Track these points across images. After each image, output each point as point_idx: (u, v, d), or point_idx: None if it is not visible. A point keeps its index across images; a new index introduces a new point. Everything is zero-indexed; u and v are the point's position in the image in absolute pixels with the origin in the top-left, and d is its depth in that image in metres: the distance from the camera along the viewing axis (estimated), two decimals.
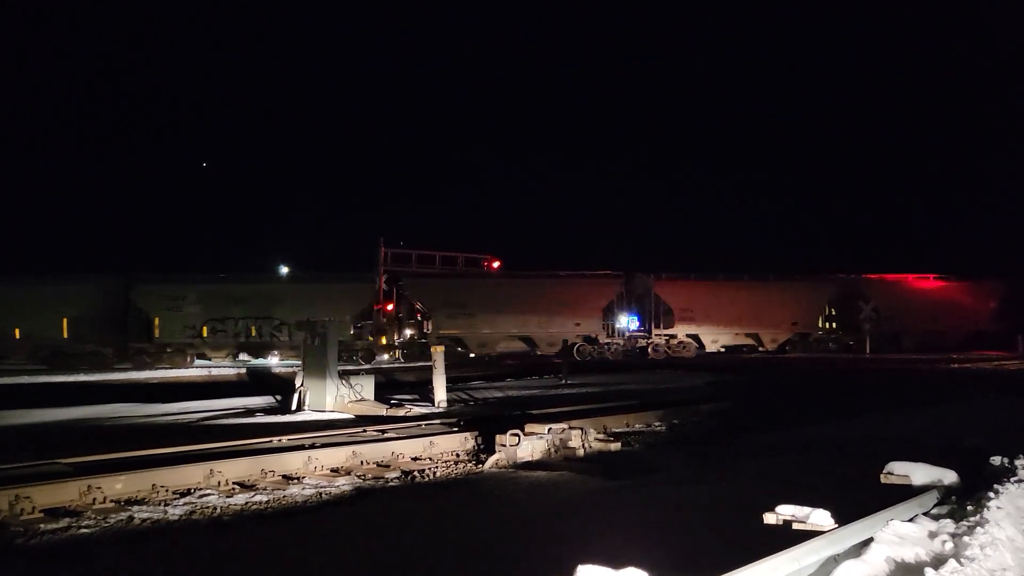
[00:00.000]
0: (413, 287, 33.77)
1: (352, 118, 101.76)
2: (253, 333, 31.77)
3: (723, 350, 36.59)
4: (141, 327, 31.13)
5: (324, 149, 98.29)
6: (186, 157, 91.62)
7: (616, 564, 3.60)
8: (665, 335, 35.62)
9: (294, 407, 14.64)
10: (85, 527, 6.73)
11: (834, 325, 38.07)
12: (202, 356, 31.62)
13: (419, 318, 34.10)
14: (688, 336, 35.93)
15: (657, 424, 12.83)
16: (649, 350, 35.34)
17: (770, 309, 36.70)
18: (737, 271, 38.84)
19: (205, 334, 31.48)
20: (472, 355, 33.60)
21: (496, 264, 39.67)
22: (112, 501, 7.50)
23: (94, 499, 7.43)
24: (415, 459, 9.84)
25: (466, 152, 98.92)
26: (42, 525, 6.75)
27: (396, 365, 30.90)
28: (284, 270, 36.55)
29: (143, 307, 31.23)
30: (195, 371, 28.12)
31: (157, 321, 31.03)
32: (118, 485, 7.69)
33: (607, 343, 35.06)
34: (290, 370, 22.49)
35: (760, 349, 37.00)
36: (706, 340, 36.21)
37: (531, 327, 34.41)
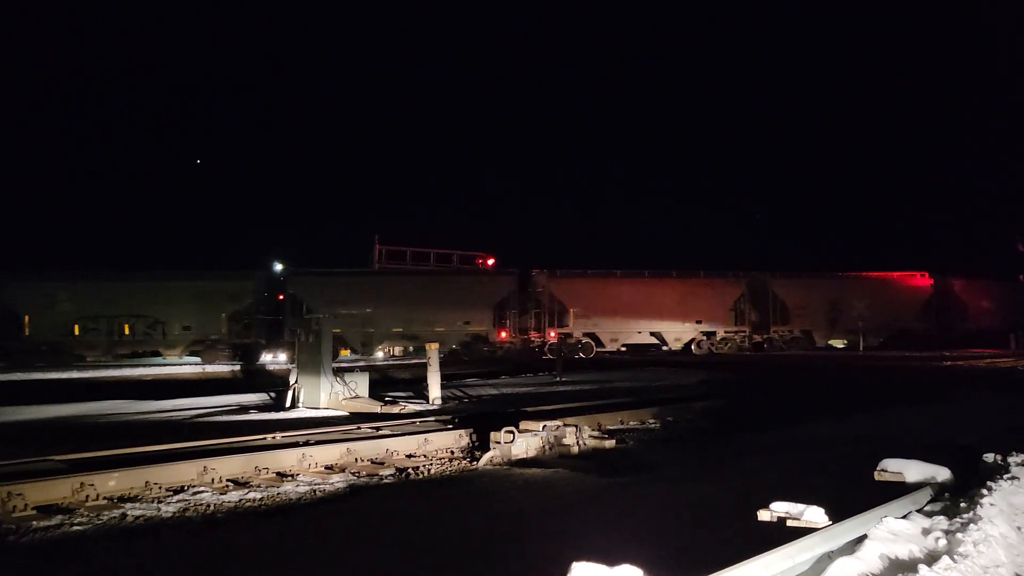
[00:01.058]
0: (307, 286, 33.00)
1: (351, 116, 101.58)
2: (127, 331, 31.17)
3: (623, 350, 35.80)
4: (10, 325, 30.52)
5: (321, 146, 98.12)
6: (183, 154, 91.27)
7: (611, 561, 3.60)
8: (561, 334, 34.94)
9: (288, 404, 14.62)
10: (78, 524, 6.71)
11: (743, 324, 37.14)
12: (78, 357, 30.69)
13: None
14: (585, 335, 35.23)
15: (651, 421, 12.84)
16: (545, 350, 34.64)
17: (674, 307, 35.96)
18: (637, 267, 38.16)
19: (77, 332, 30.91)
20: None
21: (491, 261, 39.69)
22: (105, 498, 7.48)
23: (87, 496, 7.40)
24: (410, 456, 9.83)
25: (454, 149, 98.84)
26: (35, 522, 6.72)
27: (391, 362, 30.90)
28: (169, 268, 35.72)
29: (10, 304, 30.72)
30: (188, 368, 28.05)
31: (27, 319, 30.56)
32: (111, 482, 7.67)
33: (499, 342, 34.28)
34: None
35: (664, 348, 36.13)
36: (604, 339, 35.53)
37: (416, 326, 33.43)
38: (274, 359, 31.09)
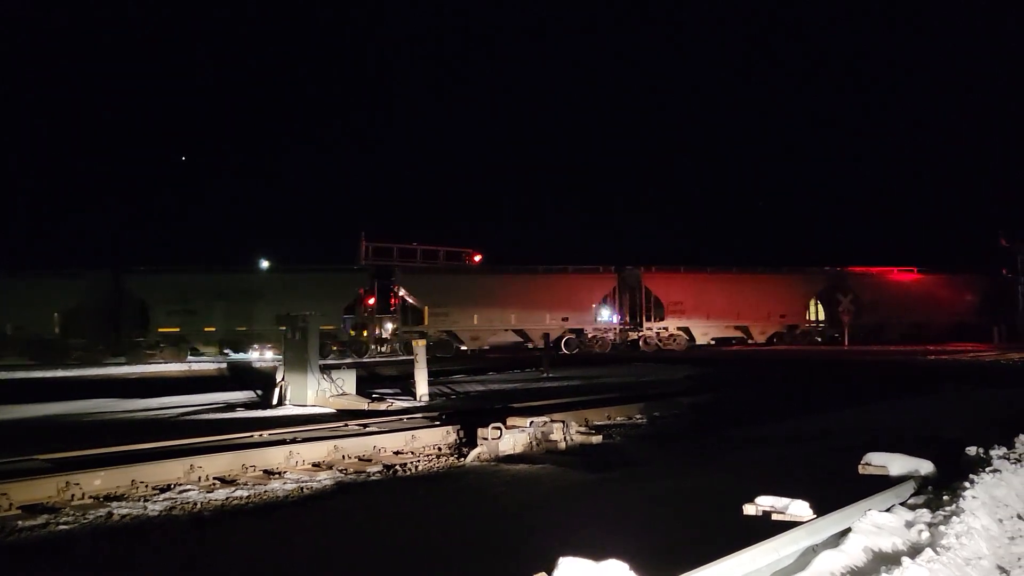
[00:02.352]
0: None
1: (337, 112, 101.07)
2: None
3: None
4: None
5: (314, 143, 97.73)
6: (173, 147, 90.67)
7: (597, 556, 3.62)
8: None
9: (275, 402, 14.58)
10: (64, 523, 6.68)
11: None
12: None
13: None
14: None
15: (638, 417, 12.88)
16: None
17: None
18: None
19: None
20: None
21: (478, 258, 39.68)
22: (91, 497, 7.44)
23: (72, 495, 7.36)
24: (397, 453, 9.83)
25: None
26: (19, 522, 6.68)
27: (380, 359, 30.85)
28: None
29: None
30: (175, 366, 27.92)
31: None
32: (97, 481, 7.63)
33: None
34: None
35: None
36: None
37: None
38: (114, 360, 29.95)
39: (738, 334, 37.51)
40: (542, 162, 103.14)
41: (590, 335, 35.45)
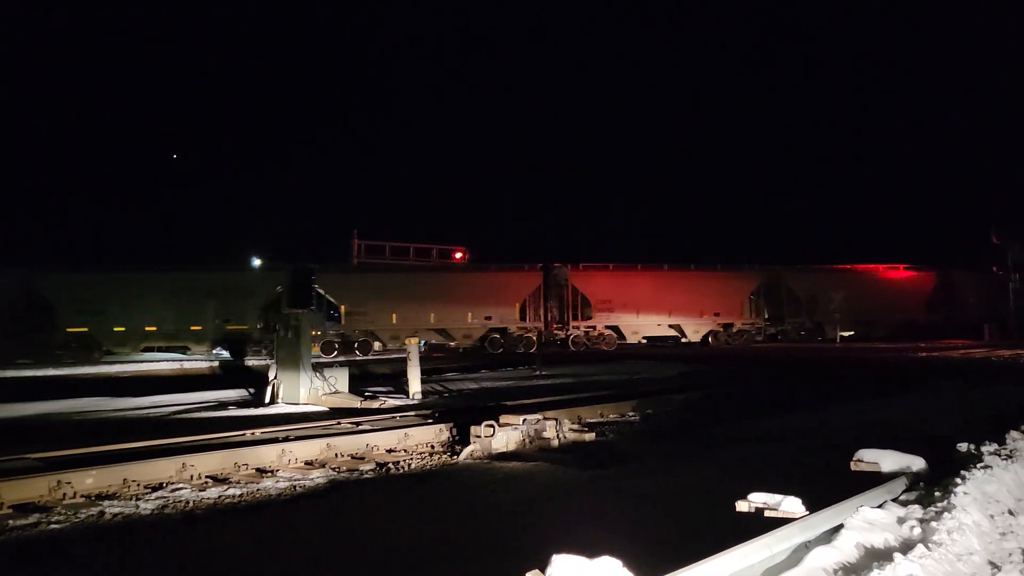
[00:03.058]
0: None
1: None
2: None
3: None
4: None
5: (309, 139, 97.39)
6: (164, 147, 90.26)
7: (591, 553, 3.62)
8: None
9: (267, 400, 14.55)
10: (55, 522, 6.66)
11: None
12: None
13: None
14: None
15: (631, 414, 12.90)
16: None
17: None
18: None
19: None
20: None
21: (459, 255, 39.51)
22: (83, 496, 7.42)
23: (64, 494, 7.34)
24: (390, 451, 9.82)
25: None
26: (11, 521, 6.66)
27: (373, 357, 30.81)
28: None
29: None
30: (166, 364, 27.83)
31: None
32: (89, 480, 7.60)
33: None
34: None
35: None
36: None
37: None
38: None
39: (672, 332, 36.73)
40: (542, 162, 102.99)
41: (515, 334, 34.48)
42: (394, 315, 33.00)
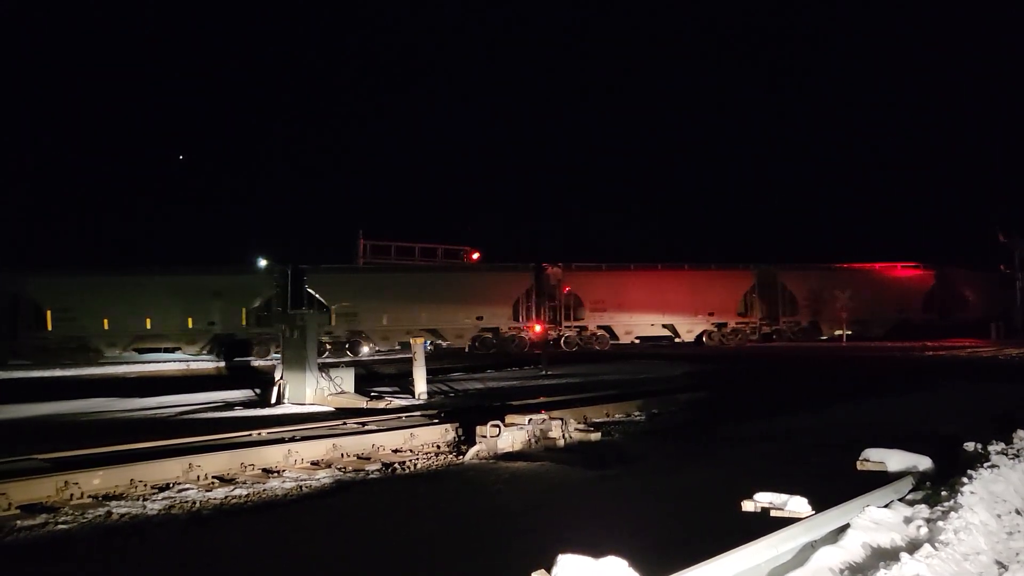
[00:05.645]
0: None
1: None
2: None
3: (637, 341, 35.66)
4: None
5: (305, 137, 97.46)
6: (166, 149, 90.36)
7: (597, 553, 3.62)
8: (577, 327, 34.79)
9: (273, 400, 14.58)
10: (63, 523, 6.68)
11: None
12: None
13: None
14: (600, 328, 34.99)
15: (636, 414, 12.89)
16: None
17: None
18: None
19: None
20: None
21: (476, 256, 39.48)
22: (90, 496, 7.44)
23: (71, 495, 7.36)
24: (396, 451, 9.83)
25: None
26: (19, 521, 6.68)
27: (376, 357, 30.84)
28: None
29: None
30: (173, 365, 27.91)
31: None
32: (96, 480, 7.63)
33: (511, 335, 33.88)
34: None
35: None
36: (619, 331, 35.24)
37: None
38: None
39: (665, 332, 36.20)
40: (542, 162, 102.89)
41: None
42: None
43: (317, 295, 31.68)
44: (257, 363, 27.78)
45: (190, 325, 30.93)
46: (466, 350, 33.23)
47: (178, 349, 31.46)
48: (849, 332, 37.36)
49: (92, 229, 68.55)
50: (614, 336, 35.27)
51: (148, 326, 30.58)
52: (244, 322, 31.45)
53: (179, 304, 30.68)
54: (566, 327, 34.72)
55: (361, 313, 32.03)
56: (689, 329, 36.21)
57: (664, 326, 36.03)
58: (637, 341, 35.73)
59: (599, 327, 35.04)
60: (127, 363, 28.88)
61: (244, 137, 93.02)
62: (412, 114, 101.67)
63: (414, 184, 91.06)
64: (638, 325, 35.61)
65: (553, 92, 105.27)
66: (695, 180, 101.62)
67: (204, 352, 31.05)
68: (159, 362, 29.50)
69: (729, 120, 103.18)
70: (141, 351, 31.24)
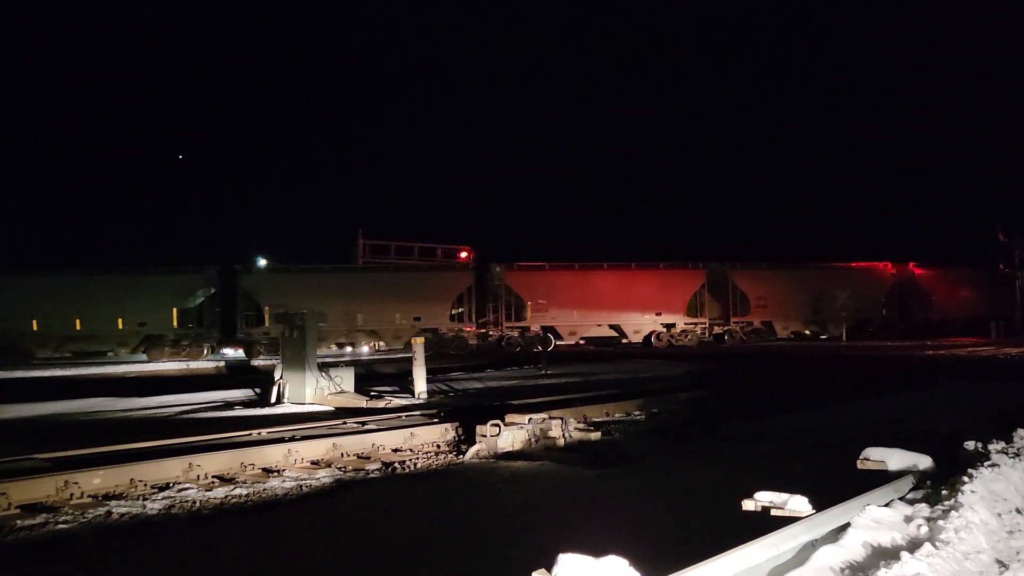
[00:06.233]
0: None
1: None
2: None
3: (583, 342, 35.08)
4: None
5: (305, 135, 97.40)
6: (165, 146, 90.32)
7: (597, 552, 3.62)
8: (519, 327, 34.20)
9: (273, 400, 14.58)
10: (63, 522, 6.67)
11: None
12: None
13: None
14: (542, 328, 34.30)
15: (636, 413, 12.89)
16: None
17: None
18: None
19: None
20: None
21: (463, 254, 39.22)
22: (90, 496, 7.44)
23: (71, 494, 7.35)
24: (396, 451, 9.83)
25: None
26: (18, 521, 6.68)
27: (376, 357, 30.83)
28: None
29: None
30: (172, 364, 27.90)
31: None
32: (96, 480, 7.62)
33: (451, 336, 33.44)
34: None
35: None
36: (563, 332, 34.59)
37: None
38: None
39: (611, 333, 35.63)
40: (542, 162, 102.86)
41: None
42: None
43: (252, 295, 31.54)
44: (256, 362, 27.74)
45: (120, 326, 30.65)
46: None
47: (110, 351, 30.95)
48: (807, 332, 37.20)
49: (91, 229, 68.76)
50: (558, 337, 34.55)
51: (78, 327, 30.24)
52: (175, 323, 31.14)
53: (109, 305, 30.38)
54: (508, 328, 34.06)
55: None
56: (636, 330, 35.45)
57: (611, 327, 35.30)
58: (582, 343, 35.08)
59: (542, 328, 34.31)
60: (131, 363, 28.77)
61: (244, 137, 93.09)
62: (412, 114, 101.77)
63: (414, 184, 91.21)
64: (582, 326, 34.90)
65: (553, 92, 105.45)
66: (695, 180, 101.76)
67: (140, 352, 30.71)
68: (136, 363, 29.07)
69: (729, 120, 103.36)
70: (76, 354, 30.72)
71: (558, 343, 34.34)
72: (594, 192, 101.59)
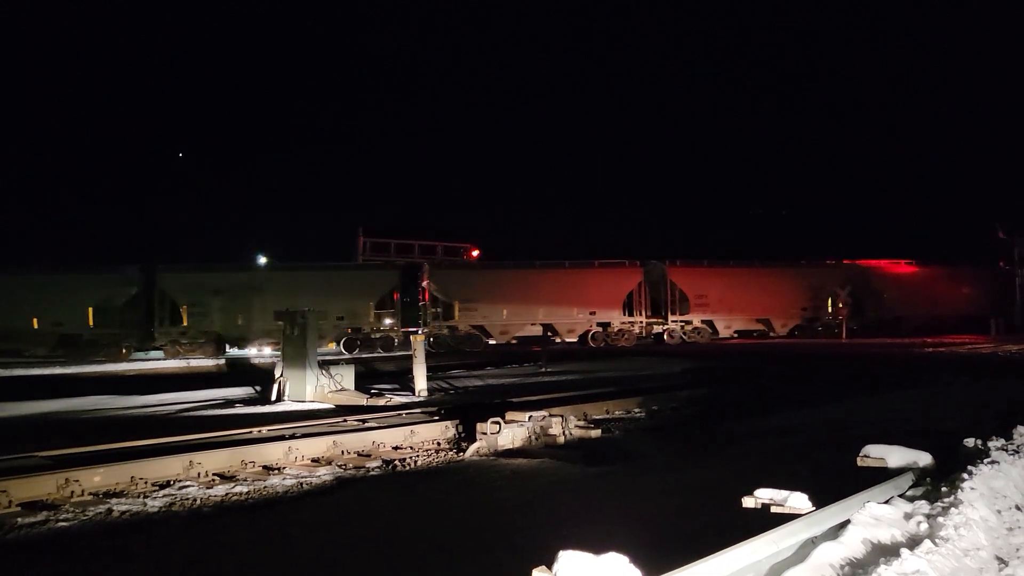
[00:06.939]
0: None
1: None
2: None
3: (515, 342, 34.58)
4: None
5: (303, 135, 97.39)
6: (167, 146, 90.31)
7: (597, 549, 3.62)
8: (447, 327, 33.97)
9: (274, 398, 14.59)
10: (63, 520, 6.68)
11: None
12: None
13: None
14: (472, 327, 34.11)
15: (637, 411, 12.90)
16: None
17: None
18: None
19: None
20: None
21: (475, 252, 39.33)
22: (91, 494, 7.45)
23: (72, 492, 7.37)
24: (396, 448, 9.84)
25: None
26: (19, 519, 6.69)
27: (376, 355, 30.83)
28: None
29: None
30: (173, 362, 27.91)
31: None
32: (96, 478, 7.64)
33: (377, 336, 33.29)
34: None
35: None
36: (493, 331, 34.37)
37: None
38: None
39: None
40: (542, 162, 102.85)
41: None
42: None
43: (169, 295, 31.39)
44: (256, 360, 27.74)
45: (35, 326, 30.39)
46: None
47: (27, 351, 30.33)
48: (755, 331, 37.15)
49: (91, 229, 68.72)
50: (488, 336, 34.30)
51: None
52: (91, 322, 30.79)
53: (24, 304, 30.15)
54: (436, 327, 33.67)
55: (211, 314, 31.62)
56: (570, 328, 35.07)
57: (543, 326, 34.98)
58: (514, 342, 34.63)
59: (472, 327, 33.99)
60: (131, 360, 28.64)
61: (244, 137, 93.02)
62: (412, 114, 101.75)
63: (414, 184, 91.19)
64: (513, 324, 34.49)
65: (553, 92, 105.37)
66: (695, 179, 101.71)
67: (57, 353, 30.21)
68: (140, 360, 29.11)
69: (729, 120, 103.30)
70: None
71: (488, 343, 34.10)
72: (594, 192, 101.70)
